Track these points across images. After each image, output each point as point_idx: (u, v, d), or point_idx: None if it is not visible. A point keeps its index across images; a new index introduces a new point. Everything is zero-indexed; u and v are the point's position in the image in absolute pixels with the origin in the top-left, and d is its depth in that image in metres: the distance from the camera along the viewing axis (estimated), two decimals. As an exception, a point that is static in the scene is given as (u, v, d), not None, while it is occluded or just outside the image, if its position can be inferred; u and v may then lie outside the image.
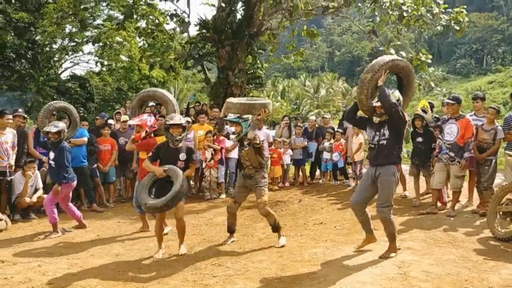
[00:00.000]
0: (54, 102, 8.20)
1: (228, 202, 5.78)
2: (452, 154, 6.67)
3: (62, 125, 6.56)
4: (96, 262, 5.11)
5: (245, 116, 5.56)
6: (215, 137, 9.28)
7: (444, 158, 6.79)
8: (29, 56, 24.13)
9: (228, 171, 9.80)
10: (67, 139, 7.25)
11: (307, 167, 10.87)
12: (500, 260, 4.64)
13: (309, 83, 41.56)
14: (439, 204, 7.12)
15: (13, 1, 21.20)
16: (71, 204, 6.88)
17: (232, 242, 5.81)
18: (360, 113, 5.27)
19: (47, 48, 25.57)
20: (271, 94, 31.05)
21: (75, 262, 5.12)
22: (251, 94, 14.78)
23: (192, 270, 4.72)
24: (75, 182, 6.76)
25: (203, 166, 9.20)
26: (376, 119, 4.90)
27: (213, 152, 9.09)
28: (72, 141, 7.89)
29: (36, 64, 24.64)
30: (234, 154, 9.75)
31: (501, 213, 5.54)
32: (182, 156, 5.36)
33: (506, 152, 6.25)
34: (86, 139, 8.25)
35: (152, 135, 6.37)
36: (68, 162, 6.49)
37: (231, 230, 5.87)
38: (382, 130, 4.85)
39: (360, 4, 14.06)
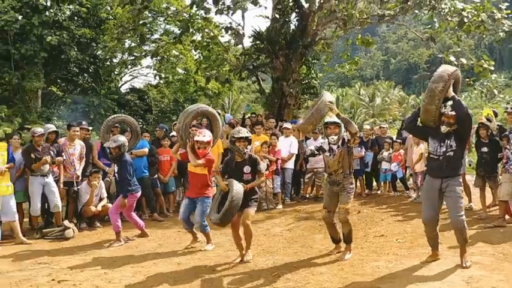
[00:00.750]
0: (113, 116, 8.46)
1: (322, 213, 5.69)
2: (520, 165, 6.35)
3: (122, 139, 6.75)
4: (159, 270, 5.23)
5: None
6: (270, 147, 9.30)
7: (511, 168, 6.47)
8: (91, 70, 25.32)
9: (284, 182, 9.78)
10: (128, 150, 7.51)
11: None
12: None
13: (364, 92, 40.91)
14: (507, 217, 6.77)
15: (75, 18, 22.32)
16: (133, 214, 7.08)
17: (338, 253, 5.59)
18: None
19: (108, 63, 26.70)
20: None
21: (139, 270, 5.27)
22: (306, 104, 14.75)
23: (251, 281, 4.73)
24: (139, 193, 6.97)
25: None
26: (444, 129, 4.73)
27: (268, 163, 9.11)
28: (134, 152, 8.16)
29: (98, 78, 25.82)
30: (290, 164, 9.75)
31: None
32: (246, 168, 5.47)
33: None
34: (146, 150, 8.49)
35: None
36: (130, 175, 6.68)
37: (335, 241, 5.69)
38: (448, 141, 4.72)
39: (416, 11, 13.73)
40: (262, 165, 5.63)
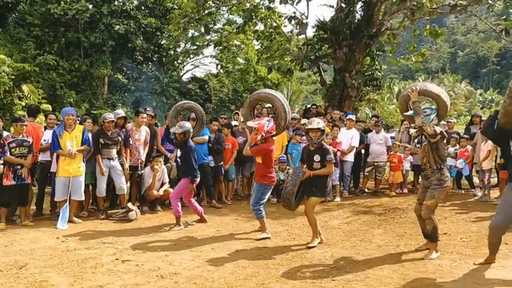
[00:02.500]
0: (183, 102, 8.71)
1: (415, 205, 5.62)
2: None
3: (188, 125, 6.92)
4: (217, 256, 5.33)
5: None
6: (332, 139, 9.16)
7: None
8: (155, 59, 26.13)
9: (343, 174, 9.63)
10: (192, 137, 7.67)
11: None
12: None
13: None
14: None
15: (142, 8, 23.01)
16: (193, 200, 7.24)
17: (427, 249, 5.38)
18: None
19: (172, 52, 27.39)
20: (386, 97, 29.91)
21: (198, 254, 5.38)
22: (368, 96, 14.42)
23: (310, 272, 4.71)
24: (199, 179, 7.12)
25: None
26: None
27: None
28: (194, 140, 8.31)
29: (162, 66, 26.59)
30: (350, 157, 9.58)
31: None
32: (316, 157, 5.70)
33: None
34: (206, 137, 8.62)
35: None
36: (195, 161, 6.83)
37: (425, 235, 5.49)
38: None
39: (490, 1, 12.99)
40: (330, 156, 5.68)
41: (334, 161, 6.10)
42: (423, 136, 5.43)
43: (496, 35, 14.36)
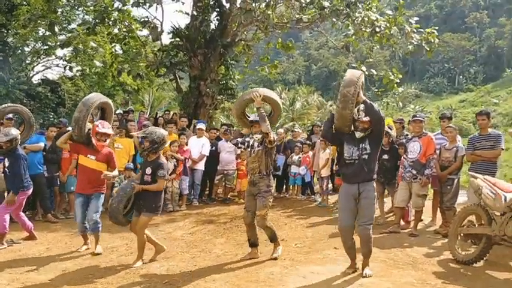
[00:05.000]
0: (3, 106, 7.77)
1: (243, 214, 5.57)
2: (414, 172, 6.63)
3: (14, 132, 6.26)
4: (39, 278, 4.81)
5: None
6: (179, 147, 9.04)
7: (407, 176, 6.75)
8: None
9: (194, 183, 9.57)
10: (22, 143, 6.93)
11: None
12: (458, 283, 4.55)
13: (285, 96, 41.63)
14: (402, 222, 7.05)
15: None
16: (22, 214, 6.52)
17: (251, 258, 5.43)
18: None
19: (19, 51, 24.91)
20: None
21: (17, 277, 4.82)
22: (222, 105, 14.62)
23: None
24: (30, 190, 6.46)
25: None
26: (359, 135, 4.71)
27: (175, 163, 8.85)
28: (28, 147, 7.55)
29: (7, 66, 23.99)
30: (201, 166, 9.55)
31: (462, 235, 5.47)
32: (148, 170, 5.30)
33: (469, 172, 6.20)
34: (42, 145, 7.89)
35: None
36: (24, 170, 6.20)
37: (251, 244, 5.52)
38: (363, 145, 4.70)
39: (334, 19, 14.09)
40: (163, 172, 5.29)
41: (166, 178, 5.59)
42: (261, 142, 5.46)
43: (342, 51, 15.64)
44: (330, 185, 9.73)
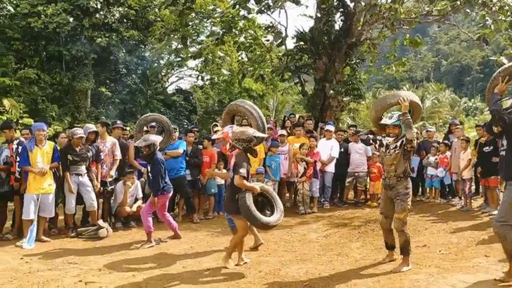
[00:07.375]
0: (145, 116, 8.47)
1: (379, 218, 5.47)
2: None
3: (152, 138, 6.73)
4: (187, 275, 5.12)
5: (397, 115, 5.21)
6: (309, 150, 9.04)
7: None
8: (138, 71, 25.92)
9: (324, 186, 9.50)
10: (162, 150, 7.47)
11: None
12: None
13: (413, 94, 39.69)
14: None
15: (124, 20, 22.85)
16: (167, 214, 7.03)
17: (390, 261, 5.35)
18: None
19: (155, 64, 27.24)
20: (371, 106, 30.06)
21: (167, 274, 5.17)
22: (349, 106, 14.37)
23: (281, 290, 4.53)
24: (171, 193, 6.91)
25: (296, 180, 9.03)
26: (494, 129, 4.52)
27: (305, 166, 8.87)
28: (168, 153, 8.12)
29: (145, 79, 26.39)
30: (331, 168, 9.45)
31: None
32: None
33: None
34: (181, 151, 8.36)
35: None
36: (161, 174, 6.61)
37: (388, 247, 5.44)
38: (501, 140, 4.54)
39: (468, 10, 13.01)
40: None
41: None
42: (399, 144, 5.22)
43: (477, 44, 14.42)
44: (473, 187, 8.96)
